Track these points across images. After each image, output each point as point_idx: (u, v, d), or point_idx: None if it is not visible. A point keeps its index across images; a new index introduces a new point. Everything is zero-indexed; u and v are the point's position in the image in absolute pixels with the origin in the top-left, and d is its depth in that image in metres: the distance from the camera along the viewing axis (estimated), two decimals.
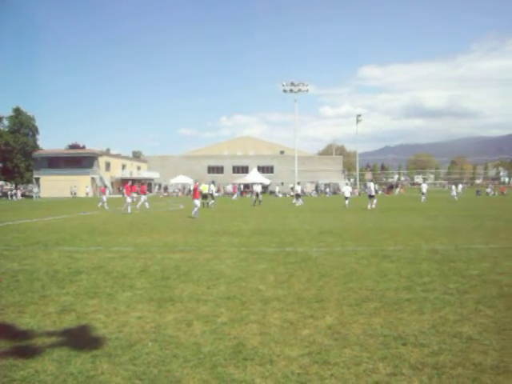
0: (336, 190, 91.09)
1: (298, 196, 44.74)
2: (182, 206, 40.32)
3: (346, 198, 40.49)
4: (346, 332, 6.22)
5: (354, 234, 17.88)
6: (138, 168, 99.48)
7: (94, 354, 5.50)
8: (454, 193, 54.41)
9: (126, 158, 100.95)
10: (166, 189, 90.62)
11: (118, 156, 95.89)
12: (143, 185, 43.36)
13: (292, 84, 78.63)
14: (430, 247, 13.92)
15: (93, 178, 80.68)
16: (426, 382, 4.71)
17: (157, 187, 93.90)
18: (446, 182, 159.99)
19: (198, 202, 27.52)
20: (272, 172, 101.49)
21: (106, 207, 37.88)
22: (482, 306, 7.42)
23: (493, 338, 5.92)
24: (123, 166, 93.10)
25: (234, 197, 66.10)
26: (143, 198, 37.39)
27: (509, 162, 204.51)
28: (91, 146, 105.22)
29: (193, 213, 27.23)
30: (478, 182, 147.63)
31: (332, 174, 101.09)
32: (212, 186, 42.40)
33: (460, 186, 72.88)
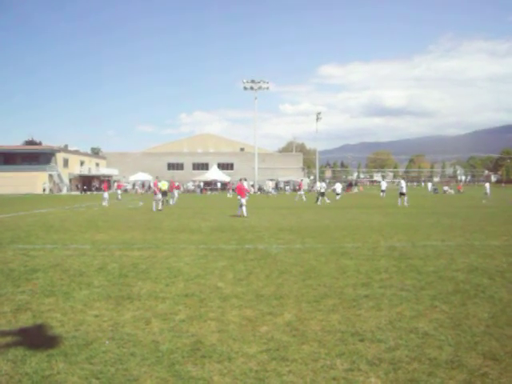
0: (296, 188, 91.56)
1: (322, 194, 41.96)
2: (141, 203, 39.97)
3: (338, 194, 44.78)
4: (305, 328, 6.26)
5: (313, 231, 18.03)
6: (97, 165, 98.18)
7: (50, 353, 5.41)
8: (429, 188, 60.68)
9: (85, 154, 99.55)
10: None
11: (76, 152, 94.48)
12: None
13: (252, 81, 78.86)
14: (388, 244, 14.13)
15: (50, 175, 79.25)
16: (382, 378, 4.78)
17: (115, 184, 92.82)
18: (404, 179, 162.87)
19: (244, 201, 25.71)
20: (232, 169, 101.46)
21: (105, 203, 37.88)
22: (437, 301, 7.57)
23: (448, 333, 6.04)
24: (81, 163, 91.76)
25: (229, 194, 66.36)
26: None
27: (465, 161, 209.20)
28: (48, 142, 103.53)
29: (243, 212, 25.53)
30: (435, 179, 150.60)
31: (292, 172, 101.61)
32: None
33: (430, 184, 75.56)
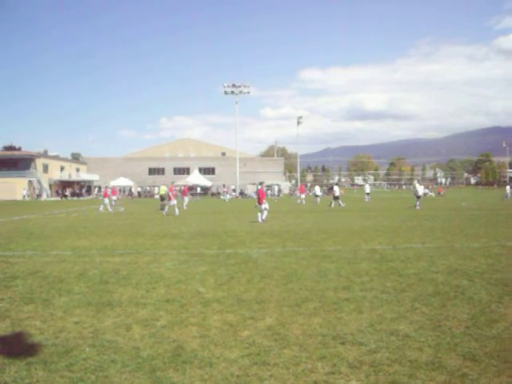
0: (277, 192, 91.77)
1: (336, 198, 42.09)
2: (122, 209, 39.79)
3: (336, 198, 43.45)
4: (286, 333, 6.26)
5: (295, 234, 18.07)
6: (77, 170, 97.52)
7: (29, 361, 5.35)
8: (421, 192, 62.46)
9: (65, 159, 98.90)
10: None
11: (56, 158, 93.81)
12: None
13: (233, 85, 78.96)
14: (369, 247, 14.20)
15: (30, 181, 78.49)
16: (363, 380, 4.80)
17: (96, 189, 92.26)
18: (385, 182, 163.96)
19: (263, 206, 24.53)
20: (213, 173, 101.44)
21: (110, 209, 37.68)
22: (418, 303, 7.62)
23: (428, 334, 6.09)
24: (62, 168, 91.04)
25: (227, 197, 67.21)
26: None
27: (445, 164, 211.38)
28: (28, 147, 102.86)
29: (258, 217, 24.72)
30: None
31: (273, 176, 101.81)
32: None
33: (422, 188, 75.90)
